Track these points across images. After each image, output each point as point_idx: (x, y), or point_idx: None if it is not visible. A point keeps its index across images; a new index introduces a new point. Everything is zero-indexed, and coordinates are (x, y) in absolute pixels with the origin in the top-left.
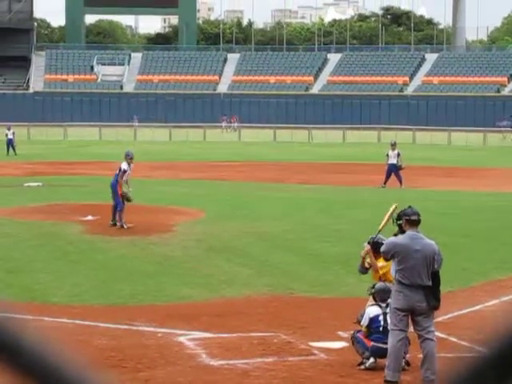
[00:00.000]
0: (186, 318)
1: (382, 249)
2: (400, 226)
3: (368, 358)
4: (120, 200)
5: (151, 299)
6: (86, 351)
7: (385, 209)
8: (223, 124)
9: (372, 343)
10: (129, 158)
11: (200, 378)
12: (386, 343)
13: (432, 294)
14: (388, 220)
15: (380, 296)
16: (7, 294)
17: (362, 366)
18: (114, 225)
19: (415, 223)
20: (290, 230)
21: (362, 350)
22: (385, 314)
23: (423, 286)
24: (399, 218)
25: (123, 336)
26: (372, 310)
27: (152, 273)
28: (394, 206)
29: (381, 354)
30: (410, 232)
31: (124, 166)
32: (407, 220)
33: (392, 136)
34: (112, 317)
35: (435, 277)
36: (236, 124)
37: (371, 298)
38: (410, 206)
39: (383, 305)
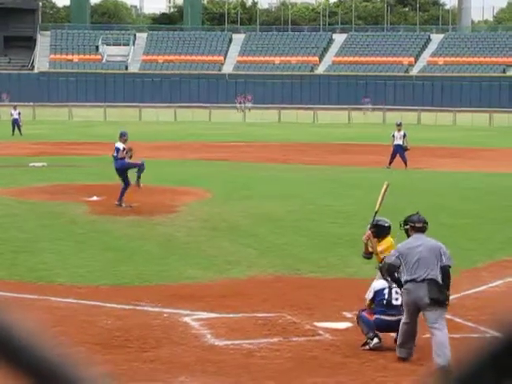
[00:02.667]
0: (191, 299)
1: (389, 260)
2: (406, 230)
3: (372, 339)
4: (128, 180)
5: (156, 280)
6: (92, 331)
7: (389, 190)
8: (237, 105)
9: (375, 316)
10: (123, 138)
11: (205, 357)
12: (389, 315)
13: (437, 287)
14: (383, 199)
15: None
16: (13, 274)
17: (367, 347)
18: (120, 205)
19: (420, 230)
20: (295, 211)
21: (366, 329)
22: (390, 288)
23: (427, 279)
24: (406, 223)
25: (128, 316)
26: (378, 284)
27: (157, 253)
28: (385, 185)
29: (384, 326)
30: (414, 235)
31: (120, 145)
32: (412, 227)
33: (397, 117)
34: (117, 297)
35: (445, 273)
36: (242, 105)
37: (379, 272)
38: (417, 213)
39: (390, 279)
